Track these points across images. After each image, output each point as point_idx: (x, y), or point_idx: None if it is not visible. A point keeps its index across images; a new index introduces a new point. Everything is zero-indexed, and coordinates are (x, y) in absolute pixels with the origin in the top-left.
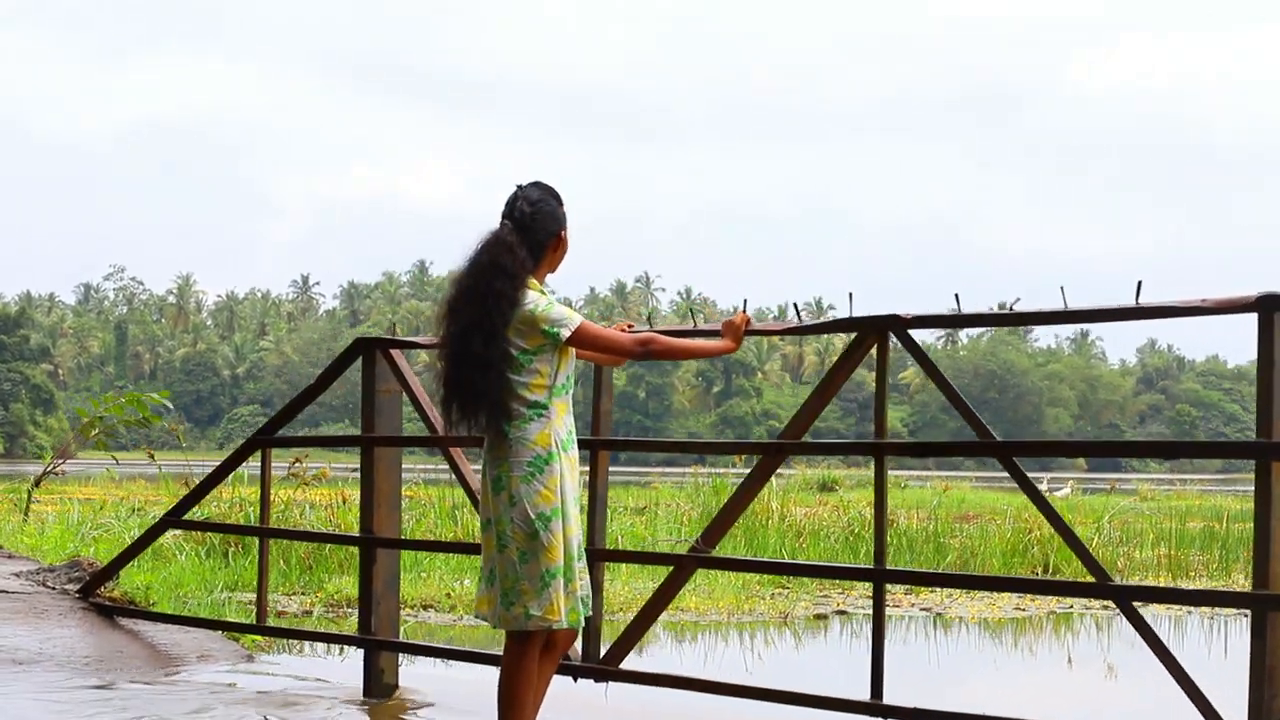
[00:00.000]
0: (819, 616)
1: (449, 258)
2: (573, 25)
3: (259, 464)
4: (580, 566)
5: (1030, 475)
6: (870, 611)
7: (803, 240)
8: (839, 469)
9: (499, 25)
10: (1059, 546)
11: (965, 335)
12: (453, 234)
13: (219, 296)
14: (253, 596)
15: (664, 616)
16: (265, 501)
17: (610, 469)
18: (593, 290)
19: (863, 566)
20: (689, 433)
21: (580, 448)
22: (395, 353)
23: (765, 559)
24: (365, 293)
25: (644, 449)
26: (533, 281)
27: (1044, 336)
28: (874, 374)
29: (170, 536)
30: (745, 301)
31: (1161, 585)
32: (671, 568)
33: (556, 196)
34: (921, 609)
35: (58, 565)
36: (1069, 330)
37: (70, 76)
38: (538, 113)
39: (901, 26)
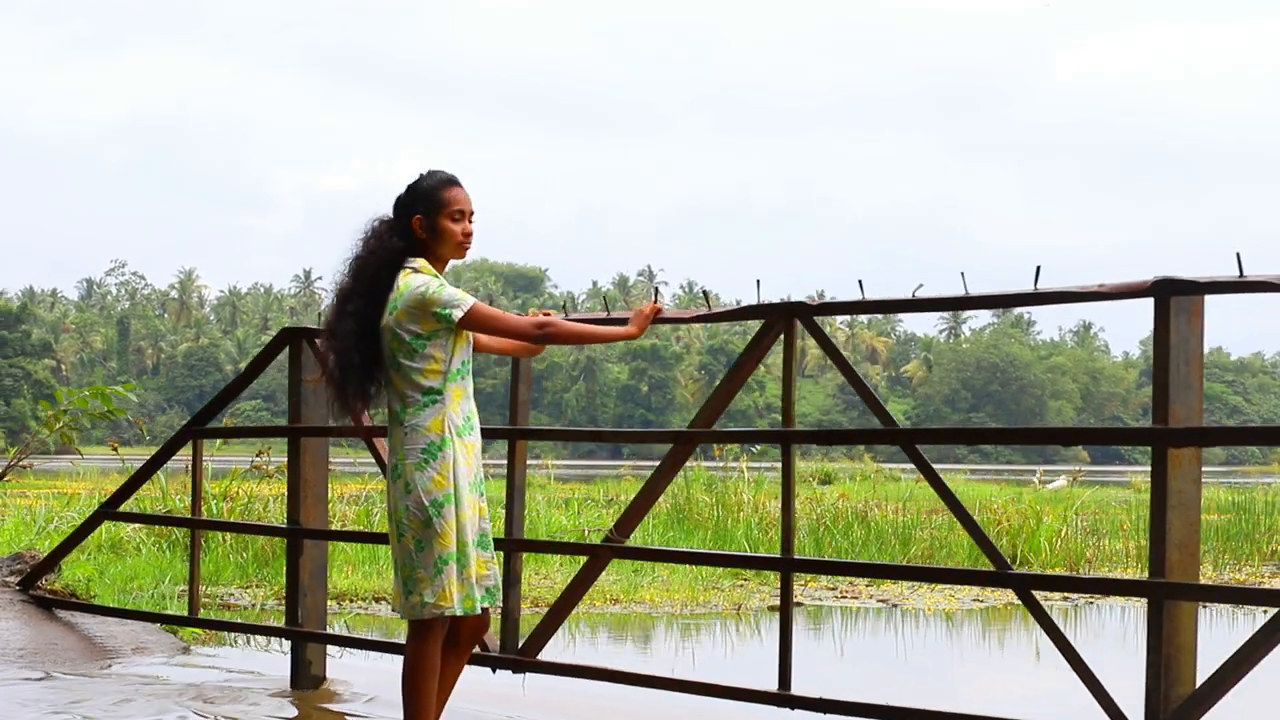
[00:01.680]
0: (773, 608)
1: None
2: (557, 17)
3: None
4: (487, 556)
5: (1028, 466)
6: (828, 603)
7: (796, 231)
8: (839, 461)
9: (482, 19)
10: (1027, 537)
11: (968, 328)
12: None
13: (221, 291)
14: (210, 590)
15: (615, 609)
16: (196, 492)
17: (609, 461)
18: (595, 284)
19: (770, 556)
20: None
21: (498, 438)
22: (320, 343)
23: (675, 549)
24: None
25: (560, 439)
26: (423, 264)
27: (1047, 329)
28: (877, 366)
29: (132, 530)
30: (657, 291)
31: (1058, 574)
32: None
33: (435, 180)
34: (880, 600)
35: (1, 558)
36: (1071, 322)
37: (64, 70)
38: (525, 105)
39: (884, 18)
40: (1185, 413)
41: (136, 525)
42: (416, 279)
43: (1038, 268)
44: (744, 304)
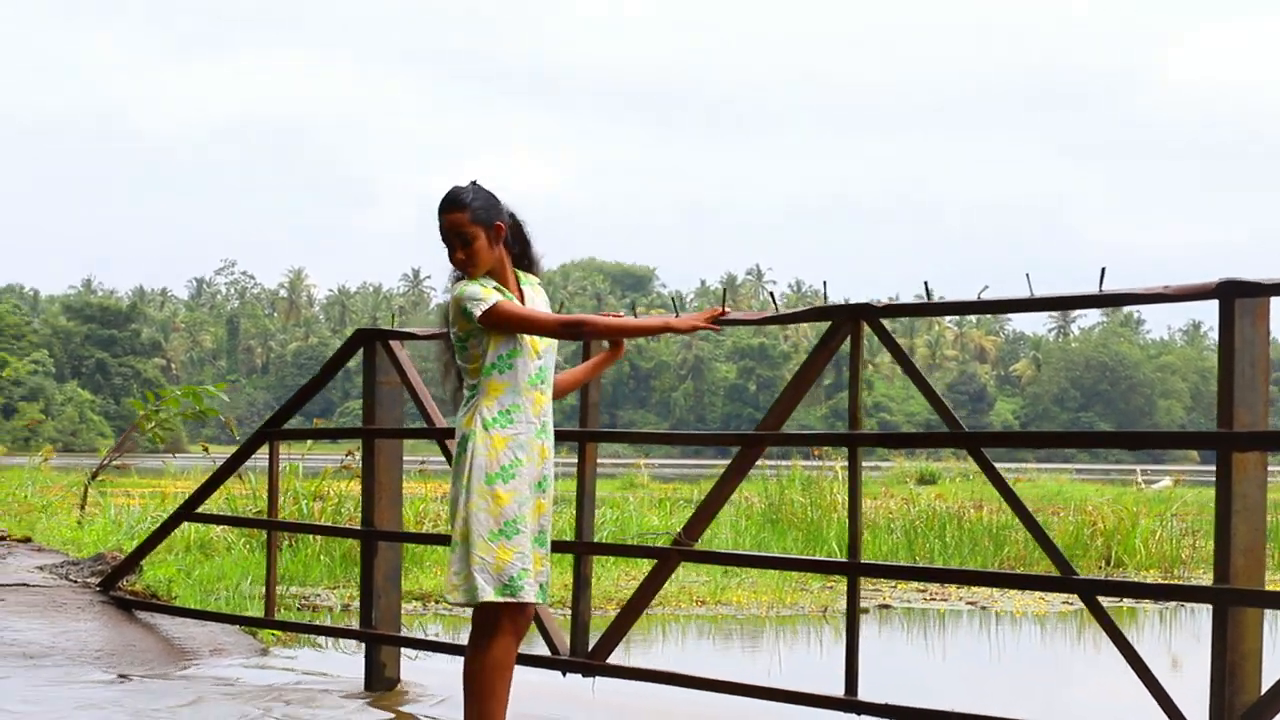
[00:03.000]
0: (860, 610)
1: (559, 251)
2: (666, 16)
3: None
4: (542, 553)
5: (1136, 466)
6: (918, 606)
7: (904, 229)
8: (945, 460)
9: (592, 18)
10: (1122, 538)
11: (1076, 327)
12: (556, 226)
13: (330, 290)
14: (296, 590)
15: (701, 610)
16: (273, 494)
17: (716, 460)
18: (703, 283)
19: (837, 560)
20: (800, 425)
21: (567, 439)
22: (395, 344)
23: (740, 552)
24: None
25: (629, 440)
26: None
27: (1156, 328)
28: (985, 365)
29: (221, 530)
30: (725, 294)
31: (1121, 580)
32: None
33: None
34: (969, 602)
35: (83, 559)
36: (1181, 321)
37: (176, 71)
38: (635, 104)
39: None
40: (1250, 417)
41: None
42: (459, 284)
43: (1102, 270)
44: (818, 305)
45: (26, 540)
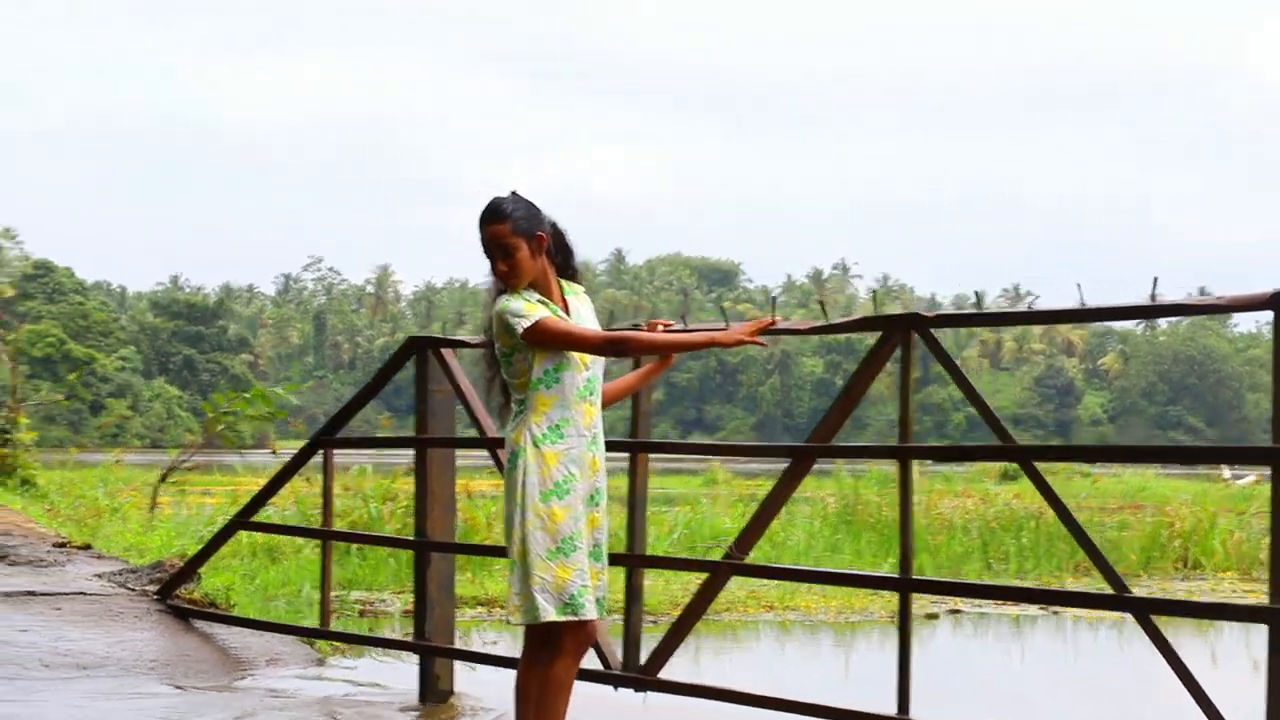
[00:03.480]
0: (930, 616)
1: (644, 246)
2: (748, 11)
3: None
4: (599, 567)
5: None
6: (990, 610)
7: (989, 223)
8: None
9: (674, 13)
10: (1199, 539)
11: (1164, 321)
12: (641, 221)
13: (416, 286)
14: (361, 594)
15: (768, 616)
16: (328, 502)
17: (769, 461)
18: (789, 278)
19: (889, 576)
20: (887, 419)
21: (618, 450)
22: (447, 352)
23: (796, 567)
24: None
25: (682, 451)
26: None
27: (1244, 321)
28: (1073, 359)
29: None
30: (773, 302)
31: (1174, 599)
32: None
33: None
34: (1041, 606)
35: (142, 566)
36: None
37: (260, 69)
38: (719, 99)
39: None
40: None
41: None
42: (502, 298)
43: (1155, 279)
44: (862, 314)
45: (86, 547)
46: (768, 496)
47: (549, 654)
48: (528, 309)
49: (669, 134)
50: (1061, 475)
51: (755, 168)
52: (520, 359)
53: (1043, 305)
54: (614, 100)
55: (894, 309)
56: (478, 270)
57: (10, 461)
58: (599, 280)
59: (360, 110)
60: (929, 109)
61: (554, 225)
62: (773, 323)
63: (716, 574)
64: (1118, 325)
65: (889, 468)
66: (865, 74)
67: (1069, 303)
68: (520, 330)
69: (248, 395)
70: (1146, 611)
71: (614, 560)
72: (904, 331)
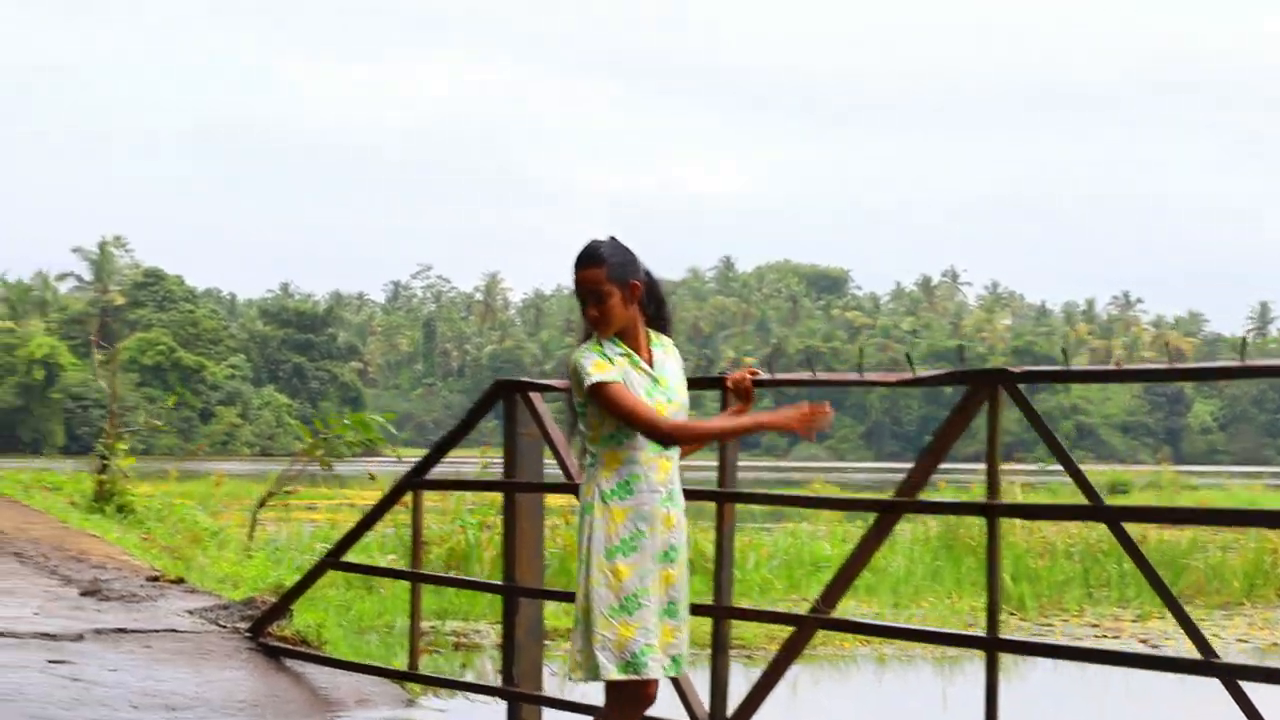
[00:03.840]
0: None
1: (753, 253)
2: (854, 17)
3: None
4: (673, 624)
5: None
6: (1087, 643)
7: (1102, 227)
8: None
9: (779, 19)
10: None
11: (1275, 328)
12: (749, 228)
13: (525, 294)
14: (458, 625)
15: (864, 650)
16: (417, 545)
17: (891, 465)
18: (898, 284)
19: (976, 635)
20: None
21: (700, 499)
22: (534, 396)
23: (882, 623)
24: (670, 289)
25: (766, 502)
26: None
27: None
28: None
29: (388, 562)
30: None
31: (1266, 665)
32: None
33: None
34: (1141, 639)
35: (234, 602)
36: None
37: (370, 77)
38: (826, 105)
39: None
40: None
41: (392, 556)
42: (580, 348)
43: (1243, 340)
44: (948, 369)
45: (180, 581)
46: (855, 550)
47: (612, 711)
48: (595, 367)
49: (778, 138)
50: (1168, 491)
51: (866, 173)
52: (592, 412)
53: (1148, 311)
54: (722, 104)
55: (1004, 317)
56: None
57: (109, 488)
58: (707, 287)
59: (467, 116)
60: (1045, 111)
61: (648, 274)
62: (825, 411)
63: (802, 628)
64: (1228, 333)
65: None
66: (975, 73)
67: (1159, 362)
68: (586, 386)
69: (347, 421)
70: (1233, 678)
71: (699, 611)
72: (991, 387)
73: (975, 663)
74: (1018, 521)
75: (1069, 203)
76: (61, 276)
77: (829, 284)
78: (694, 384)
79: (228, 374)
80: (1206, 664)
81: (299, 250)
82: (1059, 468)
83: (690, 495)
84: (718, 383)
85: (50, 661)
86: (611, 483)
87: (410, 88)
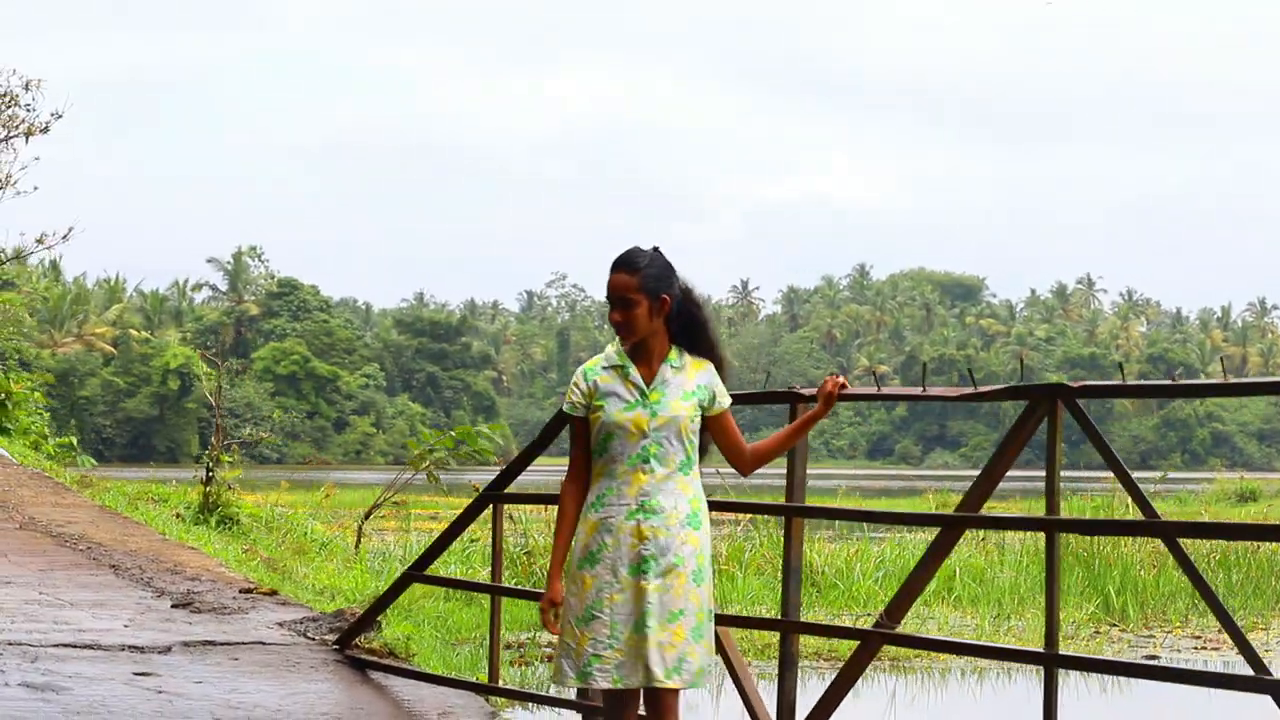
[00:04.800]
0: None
1: (888, 261)
2: (988, 22)
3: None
4: (641, 636)
5: None
6: (1186, 655)
7: (1239, 235)
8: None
9: (913, 26)
10: None
11: None
12: (883, 235)
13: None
14: (549, 636)
15: (961, 661)
16: (497, 558)
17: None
18: (1033, 292)
19: (1033, 650)
20: (1131, 435)
21: (770, 514)
22: None
23: (940, 638)
24: (805, 297)
25: (837, 517)
26: (611, 345)
27: None
28: None
29: (485, 574)
30: (838, 373)
31: None
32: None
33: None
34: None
35: (324, 614)
36: None
37: (504, 84)
38: (961, 112)
39: None
40: None
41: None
42: (587, 362)
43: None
44: (1011, 384)
45: (273, 593)
46: (918, 565)
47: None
48: (569, 394)
49: (911, 145)
50: (1263, 502)
51: (1000, 179)
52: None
53: None
54: (854, 112)
55: (1138, 325)
56: (720, 285)
57: (213, 499)
58: (841, 295)
59: (601, 125)
60: (1177, 118)
61: (686, 292)
62: (842, 385)
63: (867, 642)
64: None
65: (1102, 495)
66: (1111, 82)
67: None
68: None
69: (454, 433)
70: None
71: (768, 625)
72: (1050, 401)
73: (1076, 676)
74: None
75: (1206, 210)
76: (197, 286)
77: (963, 291)
78: (767, 398)
79: (362, 383)
80: (1256, 680)
81: (434, 259)
82: (1187, 474)
83: (757, 510)
84: (787, 397)
85: (136, 674)
86: (592, 495)
87: (544, 97)
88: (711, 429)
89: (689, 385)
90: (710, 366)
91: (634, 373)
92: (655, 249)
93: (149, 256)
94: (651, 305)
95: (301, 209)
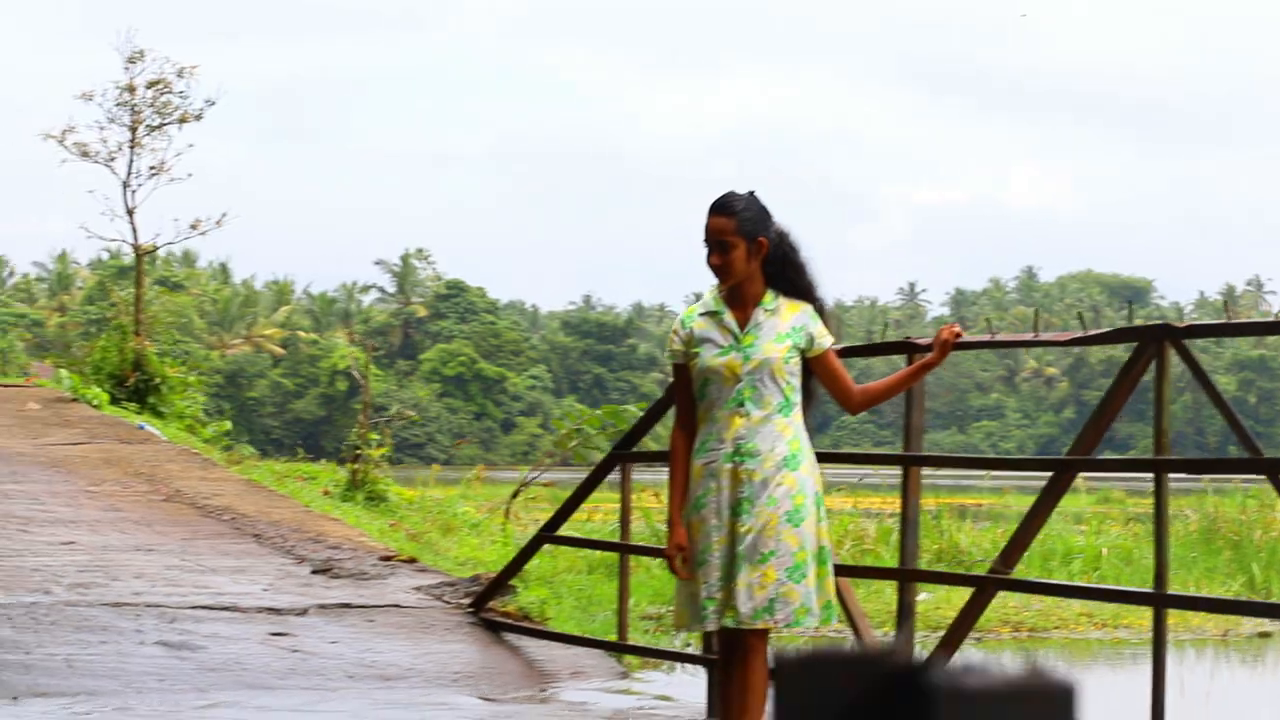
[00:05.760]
0: (1263, 635)
1: (1056, 263)
2: (1157, 24)
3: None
4: (744, 572)
5: None
6: None
7: None
8: None
9: (1083, 27)
10: None
11: None
12: (1056, 239)
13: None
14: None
15: (1097, 634)
16: (625, 517)
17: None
18: (1202, 294)
19: (1142, 590)
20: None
21: (889, 464)
22: None
23: (1050, 581)
24: (972, 299)
25: (952, 465)
26: (709, 289)
27: None
28: None
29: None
30: (962, 320)
31: None
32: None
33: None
34: None
35: (460, 579)
36: None
37: (664, 90)
38: (1131, 114)
39: None
40: None
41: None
42: (690, 306)
43: None
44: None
45: (411, 561)
46: (1029, 513)
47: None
48: (668, 343)
49: (1085, 148)
50: None
51: (1169, 181)
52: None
53: None
54: (1029, 115)
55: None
56: (887, 287)
57: (360, 476)
58: (1009, 298)
59: (766, 128)
60: None
61: (782, 236)
62: (958, 333)
63: (982, 589)
64: None
65: (1255, 485)
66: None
67: None
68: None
69: (600, 412)
70: None
71: (883, 575)
72: (1157, 343)
73: (1212, 652)
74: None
75: None
76: (365, 289)
77: (1132, 293)
78: (884, 349)
79: (529, 384)
80: None
81: (601, 262)
82: None
83: (872, 461)
84: (904, 347)
85: (272, 634)
86: (696, 441)
87: (712, 100)
88: (815, 370)
89: (783, 327)
90: (808, 308)
91: (728, 317)
92: (750, 193)
93: (316, 260)
94: (749, 248)
95: (468, 211)
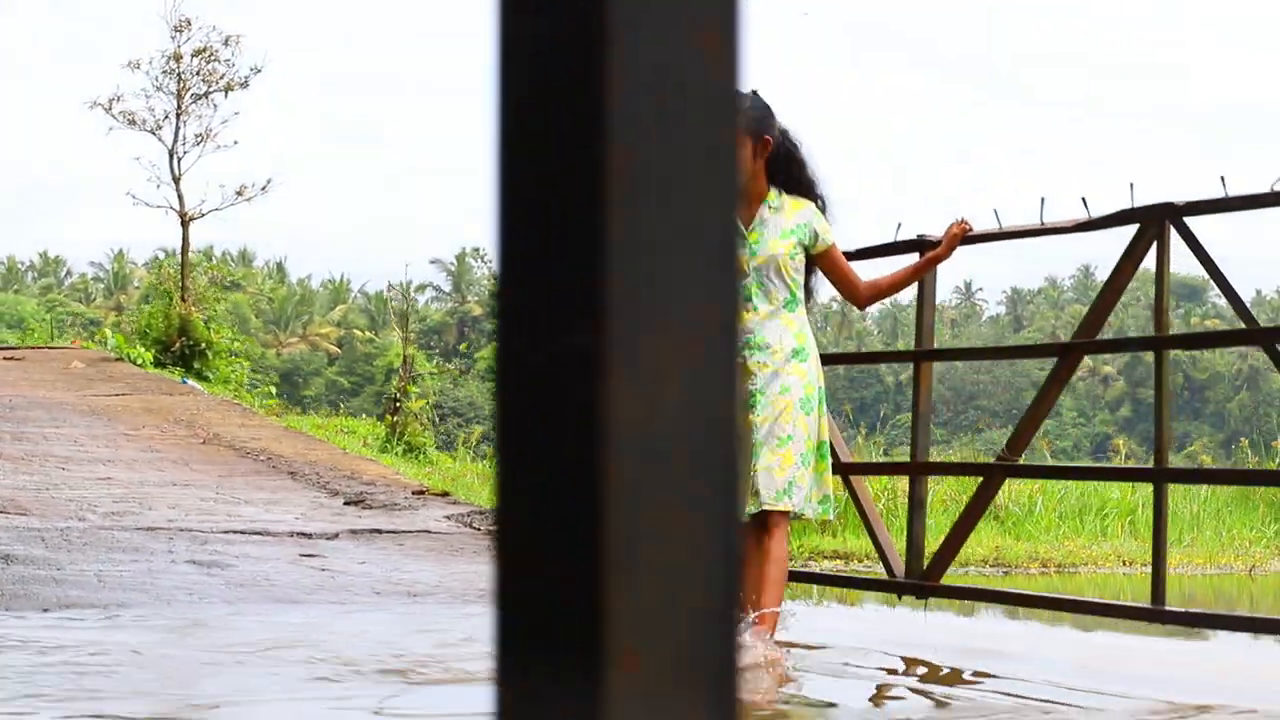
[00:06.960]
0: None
1: (1111, 261)
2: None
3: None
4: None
5: None
6: None
7: None
8: None
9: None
10: None
11: None
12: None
13: (883, 304)
14: None
15: (1125, 570)
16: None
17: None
18: (1258, 293)
19: (1140, 468)
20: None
21: (903, 360)
22: None
23: (1054, 464)
24: (1028, 298)
25: (961, 358)
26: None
27: None
28: None
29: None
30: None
31: None
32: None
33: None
34: None
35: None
36: None
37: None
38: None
39: None
40: None
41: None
42: None
43: None
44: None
45: (444, 495)
46: (1034, 400)
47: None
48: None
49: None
50: None
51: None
52: None
53: None
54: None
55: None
56: (943, 287)
57: (400, 428)
58: (1065, 296)
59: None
60: None
61: (785, 134)
62: (967, 228)
63: (990, 477)
64: None
65: None
66: None
67: None
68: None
69: None
70: None
71: (895, 470)
72: (1159, 223)
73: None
74: None
75: None
76: (420, 288)
77: (1188, 292)
78: (894, 248)
79: None
80: None
81: None
82: None
83: (883, 359)
84: (916, 246)
85: (301, 555)
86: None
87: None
88: (821, 266)
89: (787, 224)
90: (810, 206)
91: (737, 217)
92: (754, 91)
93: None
94: (754, 147)
95: None
